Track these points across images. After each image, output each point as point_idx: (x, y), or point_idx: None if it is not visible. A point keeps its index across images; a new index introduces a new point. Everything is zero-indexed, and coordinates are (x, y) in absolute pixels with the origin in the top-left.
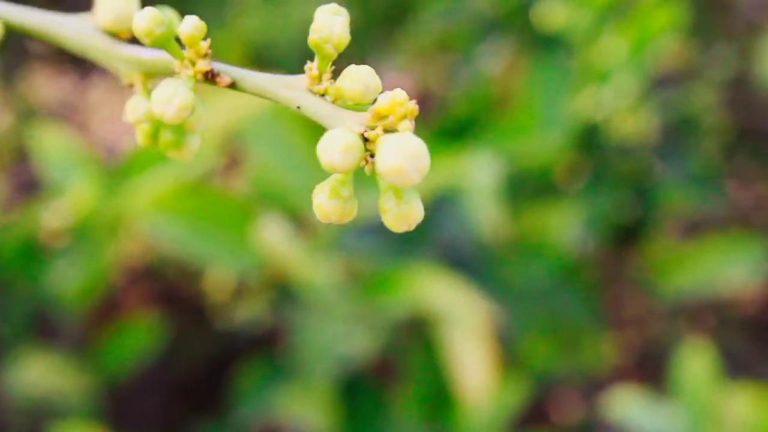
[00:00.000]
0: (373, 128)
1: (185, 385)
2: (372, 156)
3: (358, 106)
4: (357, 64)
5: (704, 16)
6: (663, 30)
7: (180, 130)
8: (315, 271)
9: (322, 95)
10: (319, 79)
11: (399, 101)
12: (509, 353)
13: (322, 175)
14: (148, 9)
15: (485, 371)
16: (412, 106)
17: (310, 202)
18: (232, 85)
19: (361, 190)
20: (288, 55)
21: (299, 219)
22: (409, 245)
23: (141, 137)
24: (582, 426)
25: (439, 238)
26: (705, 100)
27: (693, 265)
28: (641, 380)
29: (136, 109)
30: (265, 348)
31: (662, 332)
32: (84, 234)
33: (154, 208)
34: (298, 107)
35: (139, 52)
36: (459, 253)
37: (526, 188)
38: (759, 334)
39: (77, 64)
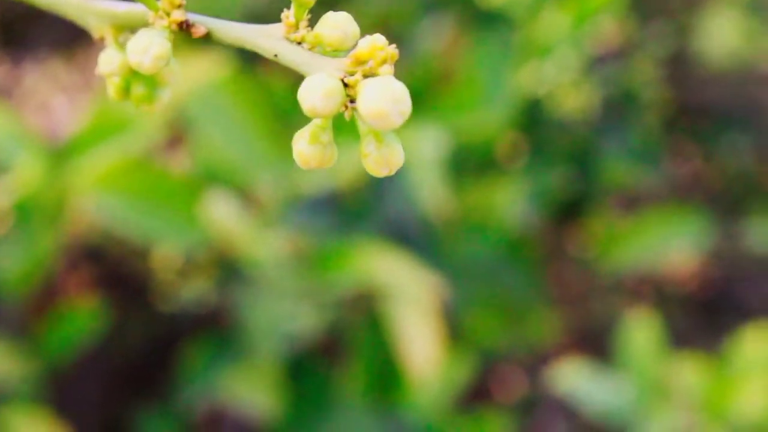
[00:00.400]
0: (352, 74)
1: (129, 367)
2: (352, 101)
3: (335, 53)
4: None
5: None
6: (603, 6)
7: (152, 84)
8: (261, 247)
9: (299, 43)
10: (296, 27)
11: (379, 46)
12: (454, 329)
13: (269, 152)
14: None
15: (432, 347)
16: (393, 50)
17: (256, 178)
18: (207, 36)
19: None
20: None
21: (246, 195)
22: (355, 221)
23: (112, 91)
24: (526, 401)
25: (384, 214)
26: (645, 76)
27: (632, 241)
28: (583, 355)
29: (109, 61)
30: (210, 328)
31: (604, 307)
32: (26, 216)
33: (99, 187)
34: (275, 55)
35: (111, 4)
36: (404, 228)
37: (470, 164)
38: (697, 309)
39: (9, 52)
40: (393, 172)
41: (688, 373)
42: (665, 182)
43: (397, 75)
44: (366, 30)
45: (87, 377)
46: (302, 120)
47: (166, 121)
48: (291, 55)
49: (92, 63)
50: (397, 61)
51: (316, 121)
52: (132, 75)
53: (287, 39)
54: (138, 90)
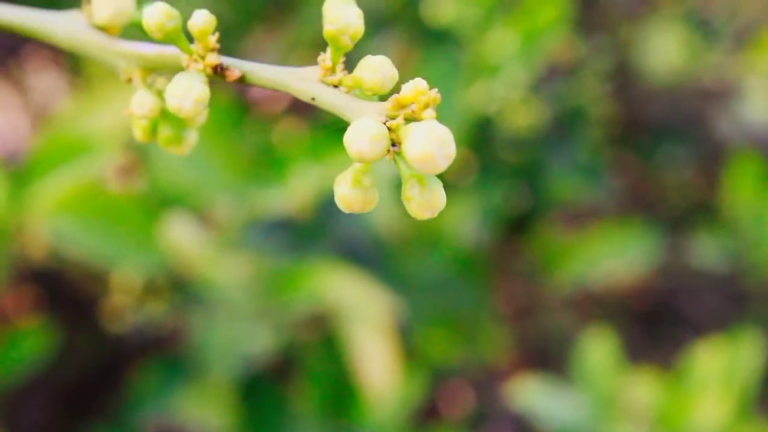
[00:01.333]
0: (394, 117)
1: (78, 388)
2: (393, 145)
3: (372, 96)
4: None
5: (584, 8)
6: (550, 23)
7: (179, 125)
8: (219, 269)
9: (336, 86)
10: (333, 70)
11: (421, 90)
12: (407, 346)
13: (226, 174)
14: (159, 3)
15: (387, 365)
16: (435, 95)
17: (213, 200)
18: (242, 79)
19: (263, 188)
20: None
21: (202, 217)
22: (310, 241)
23: (138, 132)
24: (476, 416)
25: (338, 234)
26: (591, 92)
27: (579, 256)
28: (533, 370)
29: (141, 104)
30: (164, 349)
31: (552, 323)
32: None
33: (56, 211)
34: (313, 99)
35: (139, 47)
36: (357, 248)
37: None
38: (642, 321)
39: None
40: (436, 215)
41: (644, 388)
42: (611, 197)
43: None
44: (313, 47)
45: (35, 398)
46: (255, 142)
47: (123, 145)
48: (329, 99)
49: (28, 80)
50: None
51: (357, 165)
52: (161, 117)
53: (324, 82)
54: (165, 132)
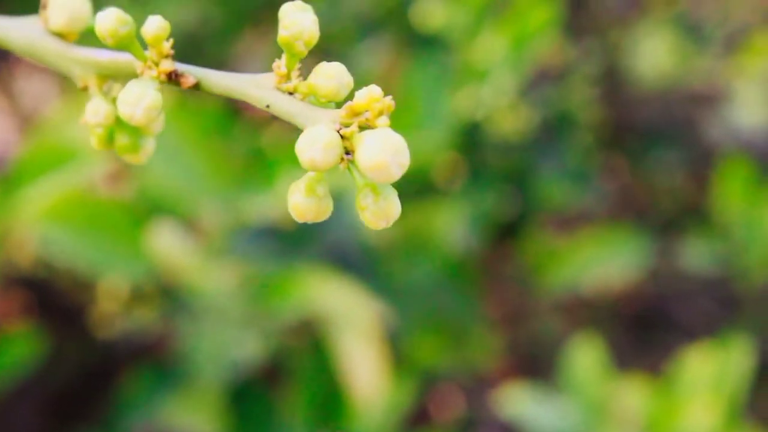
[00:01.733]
0: (348, 125)
1: (66, 395)
2: (347, 153)
3: (328, 104)
4: (219, 66)
5: (574, 12)
6: (539, 28)
7: (136, 134)
8: (206, 276)
9: (291, 93)
10: (288, 77)
11: (375, 97)
12: (396, 352)
13: (212, 180)
14: (112, 9)
15: (376, 371)
16: (389, 102)
17: (200, 207)
18: (197, 86)
19: (251, 194)
20: None
21: (190, 224)
22: (298, 248)
23: (95, 141)
24: (465, 422)
25: (326, 240)
26: (581, 96)
27: (569, 261)
28: (522, 375)
29: (96, 112)
30: (152, 356)
31: (542, 327)
32: None
33: (43, 218)
34: (267, 106)
35: (95, 53)
36: (345, 254)
37: (410, 187)
38: (633, 326)
39: None
40: (390, 225)
41: (633, 394)
42: (601, 201)
43: None
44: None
45: (24, 404)
46: (242, 149)
47: (109, 152)
48: (284, 106)
49: (16, 85)
50: None
51: (310, 174)
52: (117, 124)
53: (279, 89)
54: (122, 140)
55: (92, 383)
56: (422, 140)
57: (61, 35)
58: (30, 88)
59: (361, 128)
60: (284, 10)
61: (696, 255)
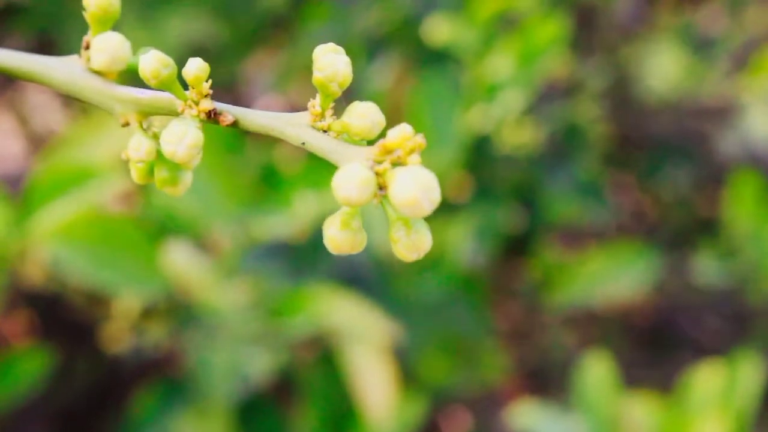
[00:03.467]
0: (380, 162)
1: (77, 412)
2: (381, 189)
3: (360, 141)
4: (228, 84)
5: (582, 28)
6: (547, 45)
7: (175, 167)
8: (219, 293)
9: (325, 131)
10: (322, 115)
11: (407, 135)
12: (406, 369)
13: (225, 200)
14: (154, 51)
15: (385, 387)
16: (420, 140)
17: (212, 227)
18: (235, 123)
19: (262, 213)
20: None
21: (203, 243)
22: (309, 266)
23: (136, 175)
24: None
25: (336, 258)
26: (588, 112)
27: (579, 275)
28: (532, 390)
29: (138, 148)
30: (162, 372)
31: (552, 342)
32: None
33: (58, 237)
34: (303, 143)
35: (135, 92)
36: (356, 271)
37: None
38: (644, 340)
39: None
40: (422, 257)
41: (642, 410)
42: (610, 216)
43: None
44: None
45: (35, 421)
46: (254, 169)
47: (123, 171)
48: (319, 144)
49: (25, 103)
50: (344, 101)
51: (345, 208)
52: (156, 160)
53: (313, 127)
54: (162, 174)
55: (102, 399)
56: (431, 156)
57: (102, 74)
58: (41, 109)
59: (394, 165)
60: (318, 52)
61: (706, 269)
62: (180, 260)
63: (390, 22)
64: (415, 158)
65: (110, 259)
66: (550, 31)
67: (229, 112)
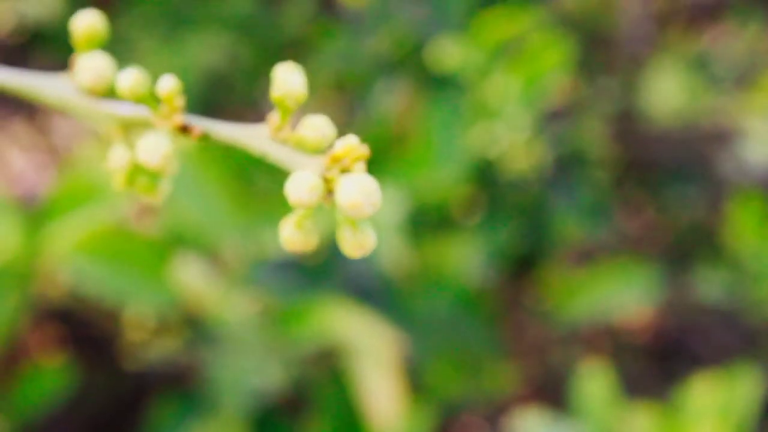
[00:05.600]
0: (330, 170)
1: (96, 425)
2: (330, 193)
3: (315, 151)
4: (246, 103)
5: (588, 51)
6: (552, 67)
7: (154, 176)
8: (228, 307)
9: (284, 143)
10: (281, 128)
11: (353, 146)
12: (415, 382)
13: (234, 215)
14: (131, 70)
15: (394, 400)
16: (364, 150)
17: (222, 241)
18: (204, 136)
19: (271, 227)
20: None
21: (212, 257)
22: (318, 279)
23: (118, 182)
24: None
25: (345, 272)
26: (594, 133)
27: (586, 293)
28: (541, 405)
29: (118, 158)
30: (177, 385)
31: (560, 358)
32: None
33: (73, 251)
34: (264, 154)
35: (117, 107)
36: (365, 285)
37: (427, 222)
38: (651, 358)
39: None
40: (368, 254)
41: (641, 421)
42: (617, 236)
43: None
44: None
45: None
46: (263, 185)
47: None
48: (277, 154)
49: (53, 124)
50: (353, 123)
51: (299, 211)
52: (136, 168)
53: (274, 139)
54: (141, 182)
55: (121, 413)
56: (439, 176)
57: (88, 91)
58: (63, 126)
59: (342, 172)
60: (276, 72)
61: (711, 289)
62: (190, 274)
63: (399, 47)
64: (360, 166)
65: (123, 272)
66: (554, 56)
67: (199, 125)
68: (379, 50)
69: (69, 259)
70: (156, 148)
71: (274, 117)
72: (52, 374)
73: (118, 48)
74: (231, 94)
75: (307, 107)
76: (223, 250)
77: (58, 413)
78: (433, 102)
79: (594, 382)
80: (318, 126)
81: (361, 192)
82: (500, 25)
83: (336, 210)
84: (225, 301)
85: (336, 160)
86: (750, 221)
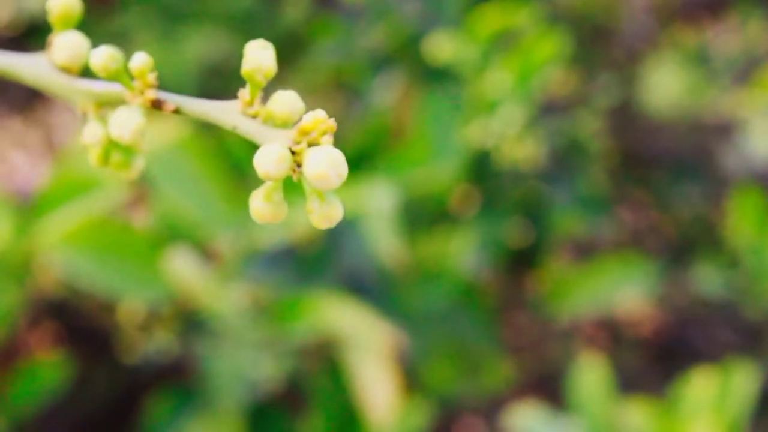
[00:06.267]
0: (299, 143)
1: (93, 420)
2: (299, 166)
3: (284, 125)
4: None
5: (588, 45)
6: (547, 61)
7: (128, 152)
8: (222, 300)
9: (254, 117)
10: (251, 103)
11: (320, 119)
12: (412, 377)
13: (226, 207)
14: (103, 47)
15: (390, 394)
16: (331, 123)
17: (216, 234)
18: (177, 111)
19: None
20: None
21: (206, 250)
22: (313, 272)
23: (93, 158)
24: None
25: (341, 266)
26: (591, 127)
27: (584, 288)
28: (539, 400)
29: (92, 133)
30: (173, 379)
31: (558, 353)
32: None
33: (65, 244)
34: (234, 128)
35: (92, 84)
36: (360, 279)
37: (424, 215)
38: (651, 353)
39: None
40: (333, 225)
41: (638, 415)
42: (616, 230)
43: (351, 130)
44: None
45: (53, 429)
46: (257, 177)
47: (129, 181)
48: (247, 128)
49: (50, 120)
50: (350, 117)
51: (268, 183)
52: (111, 145)
53: (244, 114)
54: (116, 158)
55: (118, 407)
56: (435, 170)
57: (65, 69)
58: (62, 121)
59: (309, 145)
60: (247, 48)
61: (709, 282)
62: (183, 267)
63: (395, 41)
64: (327, 139)
65: (116, 265)
66: (548, 49)
67: (171, 100)
68: (376, 44)
69: (61, 252)
70: (128, 122)
71: (244, 92)
72: (48, 369)
73: (116, 43)
74: (228, 89)
75: (304, 101)
76: (217, 244)
77: (54, 408)
78: (429, 95)
79: (590, 377)
80: (287, 101)
81: (328, 163)
82: (496, 19)
83: (304, 182)
84: (219, 294)
85: (304, 133)
86: (750, 216)
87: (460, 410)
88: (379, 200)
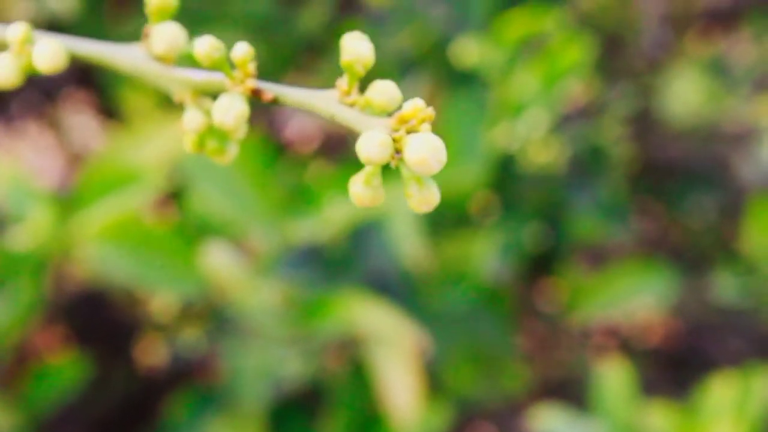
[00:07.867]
0: (397, 130)
1: (113, 417)
2: (397, 152)
3: (381, 114)
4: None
5: (608, 54)
6: (571, 67)
7: (223, 139)
8: (253, 295)
9: (351, 105)
10: (349, 92)
11: (420, 108)
12: (433, 377)
13: (259, 205)
14: (206, 37)
15: (412, 393)
16: (430, 112)
17: (248, 230)
18: (275, 100)
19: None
20: None
21: (238, 246)
22: (339, 272)
23: (189, 145)
24: None
25: (367, 266)
26: (612, 134)
27: (600, 294)
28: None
29: (191, 120)
30: (197, 378)
31: (573, 359)
32: (13, 270)
33: (101, 238)
34: (332, 116)
35: (190, 73)
36: (384, 280)
37: (446, 219)
38: (664, 361)
39: None
40: (432, 209)
41: (660, 418)
42: (632, 237)
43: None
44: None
45: (71, 429)
46: (287, 177)
47: (164, 176)
48: (346, 116)
49: (63, 122)
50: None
51: (368, 168)
52: (207, 131)
53: (341, 102)
54: (212, 144)
55: (138, 406)
56: (459, 173)
57: (162, 59)
58: (77, 124)
59: (408, 132)
60: (345, 39)
61: (725, 291)
62: (216, 261)
63: (422, 44)
64: (426, 126)
65: (149, 260)
66: (574, 55)
67: (270, 89)
68: (402, 47)
69: (97, 246)
70: (231, 108)
71: (342, 82)
72: (65, 369)
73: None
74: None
75: None
76: (249, 240)
77: (72, 407)
78: (454, 99)
79: (614, 379)
80: (385, 90)
81: (429, 149)
82: (522, 24)
83: (403, 168)
84: (249, 289)
85: (403, 121)
86: (765, 224)
87: (473, 414)
88: (404, 203)
